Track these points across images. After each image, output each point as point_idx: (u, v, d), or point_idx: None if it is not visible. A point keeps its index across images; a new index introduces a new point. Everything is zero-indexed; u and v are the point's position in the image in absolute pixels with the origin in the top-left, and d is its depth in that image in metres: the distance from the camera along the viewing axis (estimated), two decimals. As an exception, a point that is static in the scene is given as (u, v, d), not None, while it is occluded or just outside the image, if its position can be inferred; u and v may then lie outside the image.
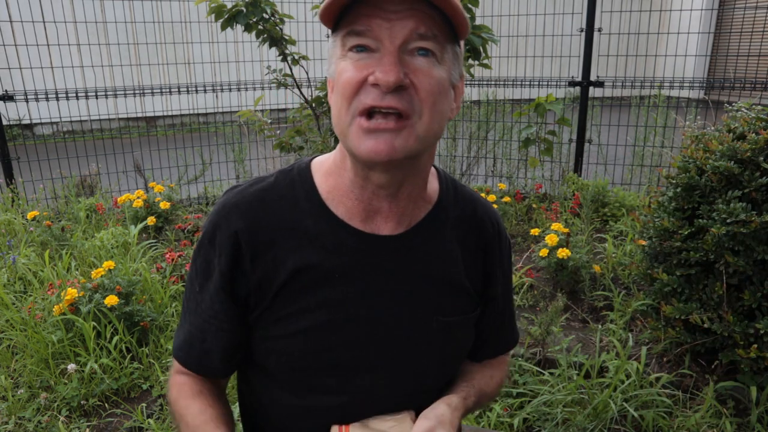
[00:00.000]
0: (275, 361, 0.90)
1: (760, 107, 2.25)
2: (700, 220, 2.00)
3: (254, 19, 3.17)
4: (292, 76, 3.55)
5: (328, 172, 0.89)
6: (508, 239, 1.04)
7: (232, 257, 0.85)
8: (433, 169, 0.96)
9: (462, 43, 0.83)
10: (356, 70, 0.75)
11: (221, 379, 0.98)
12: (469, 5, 2.96)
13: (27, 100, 4.47)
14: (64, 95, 4.50)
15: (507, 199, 4.03)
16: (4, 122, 4.48)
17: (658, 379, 2.17)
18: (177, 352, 0.96)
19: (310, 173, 0.90)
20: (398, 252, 0.89)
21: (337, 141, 3.36)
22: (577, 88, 4.59)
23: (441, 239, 0.93)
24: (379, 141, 0.74)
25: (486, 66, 3.13)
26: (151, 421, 2.11)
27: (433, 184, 0.94)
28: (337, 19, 0.76)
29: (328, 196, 0.88)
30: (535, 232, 3.41)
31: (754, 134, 2.01)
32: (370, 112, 0.75)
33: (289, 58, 3.43)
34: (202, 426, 0.88)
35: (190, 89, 4.91)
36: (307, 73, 3.64)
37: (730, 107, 2.35)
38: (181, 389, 0.94)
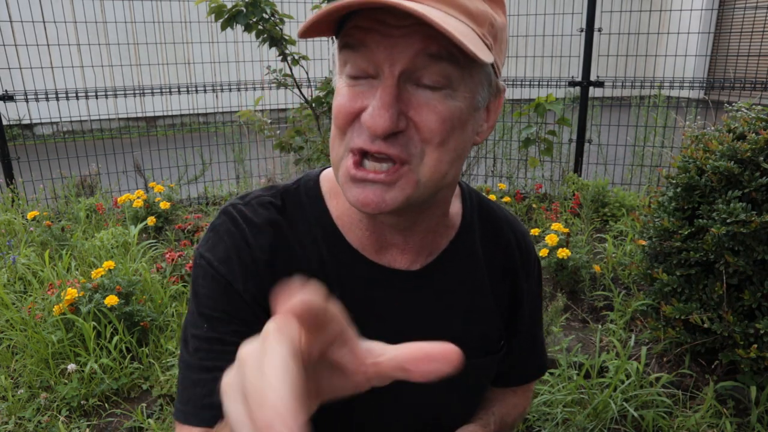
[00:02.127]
0: None
1: (760, 107, 2.25)
2: (700, 220, 2.00)
3: (254, 19, 3.17)
4: (292, 76, 3.55)
5: (338, 192, 0.77)
6: (537, 260, 0.95)
7: (252, 277, 0.74)
8: (456, 188, 0.84)
9: (503, 46, 0.68)
10: (350, 99, 0.63)
11: None
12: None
13: (27, 100, 4.47)
14: (64, 95, 4.50)
15: (507, 199, 4.03)
16: (4, 122, 4.48)
17: (658, 379, 2.17)
18: (202, 413, 0.71)
19: (321, 194, 0.78)
20: (418, 289, 0.79)
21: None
22: (577, 88, 4.59)
23: (467, 269, 0.83)
24: (367, 192, 0.63)
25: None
26: (151, 421, 2.11)
27: (455, 206, 0.83)
28: (336, 27, 0.64)
29: (339, 220, 0.77)
30: (535, 232, 3.41)
31: (754, 134, 2.01)
32: (361, 157, 0.63)
33: (289, 58, 3.43)
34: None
35: (190, 89, 4.91)
36: (307, 73, 3.64)
37: (730, 107, 2.35)
38: None
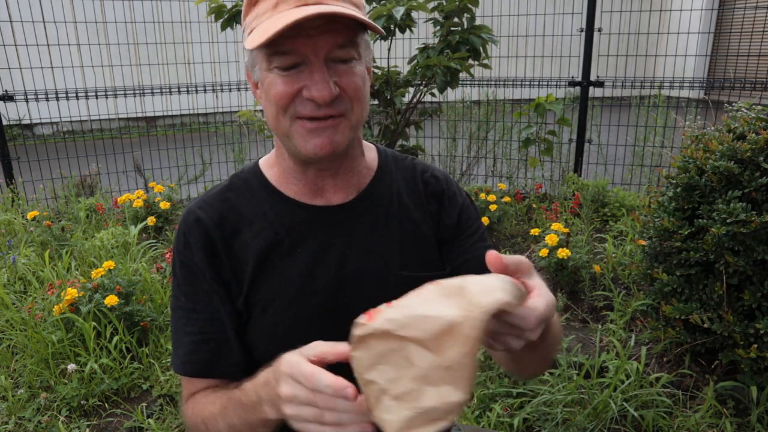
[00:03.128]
0: (263, 347, 0.92)
1: (760, 107, 2.25)
2: (700, 220, 2.00)
3: (254, 19, 3.16)
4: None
5: (273, 163, 0.98)
6: (462, 190, 1.07)
7: (208, 251, 0.91)
8: (370, 144, 1.05)
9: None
10: (286, 85, 0.82)
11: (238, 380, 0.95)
12: (469, 5, 2.96)
13: (27, 100, 4.47)
14: (64, 95, 4.50)
15: (507, 199, 4.03)
16: (4, 122, 4.48)
17: (658, 379, 2.17)
18: (185, 367, 0.93)
19: (259, 169, 0.99)
20: (352, 217, 0.95)
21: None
22: (577, 88, 4.58)
23: (391, 199, 0.99)
24: (323, 138, 0.83)
25: (486, 66, 3.13)
26: (151, 421, 2.11)
27: (371, 155, 1.02)
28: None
29: (277, 182, 0.96)
30: (535, 232, 3.41)
31: (754, 134, 2.01)
32: (310, 118, 0.83)
33: (289, 58, 3.42)
34: (230, 400, 0.84)
35: (190, 89, 4.91)
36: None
37: (730, 107, 2.35)
38: (197, 400, 0.92)
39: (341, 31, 0.81)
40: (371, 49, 0.93)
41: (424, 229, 1.00)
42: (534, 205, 4.10)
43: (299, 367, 0.65)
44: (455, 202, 1.04)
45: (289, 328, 0.91)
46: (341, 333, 0.88)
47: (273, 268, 0.92)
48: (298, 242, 0.93)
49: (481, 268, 0.96)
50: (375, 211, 0.97)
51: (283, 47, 0.81)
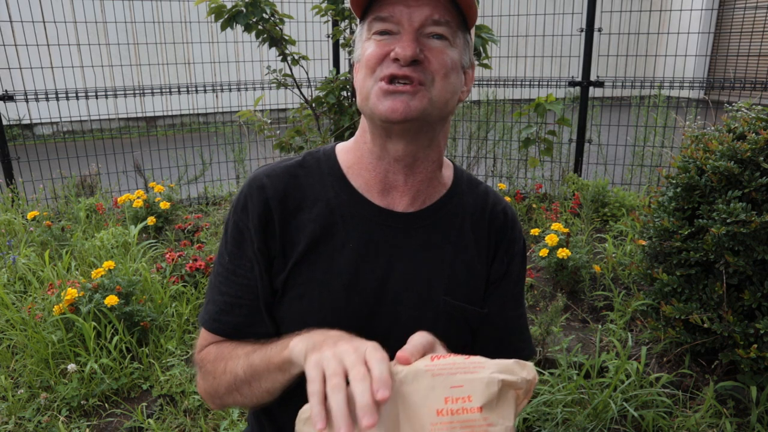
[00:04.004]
0: (292, 329, 0.89)
1: (760, 107, 2.25)
2: (700, 220, 2.00)
3: (254, 20, 3.16)
4: (292, 76, 3.55)
5: (349, 148, 0.98)
6: (522, 236, 1.05)
7: (263, 221, 0.91)
8: (448, 161, 1.03)
9: (473, 32, 0.93)
10: (379, 47, 0.86)
11: None
12: (469, 5, 2.96)
13: (27, 100, 4.47)
14: (64, 95, 4.50)
15: (507, 199, 4.03)
16: (4, 122, 4.48)
17: (658, 379, 2.17)
18: (212, 324, 0.95)
19: (334, 152, 0.99)
20: (411, 229, 0.94)
21: (337, 139, 3.35)
22: (577, 88, 4.58)
23: (454, 222, 0.98)
24: (396, 101, 0.84)
25: (486, 66, 3.13)
26: (151, 421, 2.11)
27: (447, 172, 1.01)
28: (365, 8, 0.88)
29: (348, 170, 0.96)
30: (535, 232, 3.41)
31: (754, 134, 2.01)
32: (390, 79, 0.85)
33: (289, 58, 3.42)
34: (260, 343, 0.86)
35: (190, 89, 4.91)
36: (307, 73, 3.63)
37: (730, 107, 2.35)
38: (223, 345, 0.93)
39: (439, 9, 0.85)
40: (471, 52, 0.94)
41: (478, 263, 0.99)
42: (534, 205, 4.10)
43: (372, 347, 0.67)
44: (511, 250, 1.02)
45: (321, 318, 0.90)
46: (371, 334, 0.86)
47: (321, 256, 0.92)
48: (352, 237, 0.92)
49: (499, 331, 1.02)
50: (435, 229, 0.96)
51: (381, 12, 0.86)
